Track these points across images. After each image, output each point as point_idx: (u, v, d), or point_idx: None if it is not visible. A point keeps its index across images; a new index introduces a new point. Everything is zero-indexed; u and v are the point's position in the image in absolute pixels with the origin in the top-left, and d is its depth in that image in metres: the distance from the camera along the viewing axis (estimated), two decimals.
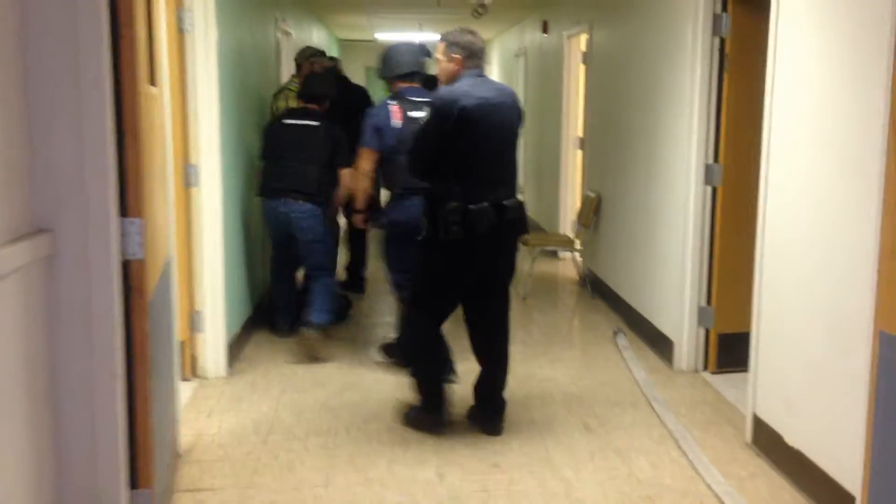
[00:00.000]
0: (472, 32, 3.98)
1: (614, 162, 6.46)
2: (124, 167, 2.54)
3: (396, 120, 4.61)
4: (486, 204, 3.79)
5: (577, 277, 7.59)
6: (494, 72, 14.24)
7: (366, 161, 4.71)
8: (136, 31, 2.62)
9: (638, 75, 5.79)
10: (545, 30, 9.38)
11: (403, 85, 4.76)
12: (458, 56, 3.91)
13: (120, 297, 2.49)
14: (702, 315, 4.95)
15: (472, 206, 3.76)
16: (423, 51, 7.17)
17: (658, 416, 4.27)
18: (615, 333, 5.73)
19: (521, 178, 11.99)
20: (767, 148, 3.82)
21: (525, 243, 7.07)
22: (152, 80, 3.27)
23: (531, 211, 10.18)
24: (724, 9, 4.70)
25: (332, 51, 12.17)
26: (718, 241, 4.86)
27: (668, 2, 5.16)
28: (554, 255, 8.37)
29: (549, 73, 9.31)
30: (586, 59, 8.11)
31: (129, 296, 2.54)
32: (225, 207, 4.93)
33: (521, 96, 11.39)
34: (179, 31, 4.64)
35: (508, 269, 4.12)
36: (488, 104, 3.81)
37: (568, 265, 8.23)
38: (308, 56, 6.54)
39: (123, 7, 2.55)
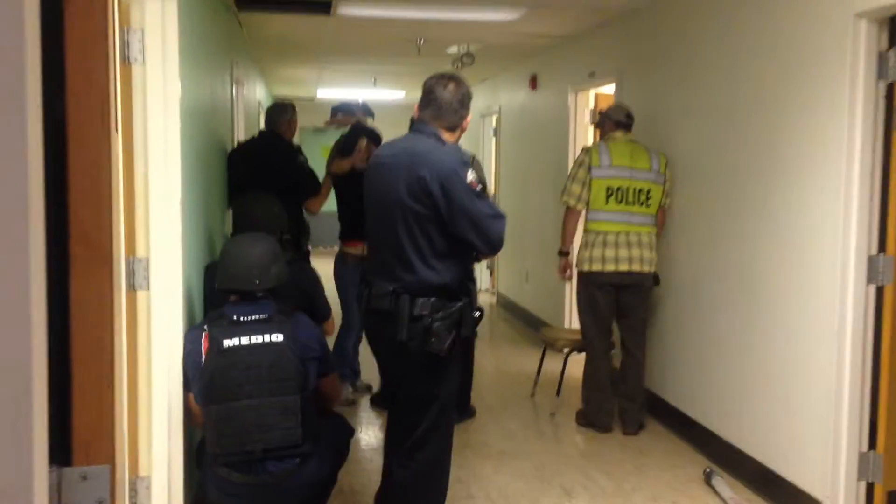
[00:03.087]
0: (435, 77, 3.21)
1: (672, 243, 5.11)
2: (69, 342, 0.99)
3: (203, 354, 3.10)
4: (366, 285, 3.21)
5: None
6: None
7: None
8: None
9: (730, 133, 4.46)
10: (534, 85, 8.10)
11: (232, 299, 3.24)
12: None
13: None
14: (864, 465, 3.56)
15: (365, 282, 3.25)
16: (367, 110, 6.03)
17: None
18: (707, 475, 4.28)
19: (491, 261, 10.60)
20: None
21: (553, 344, 5.63)
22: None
23: (520, 299, 8.71)
24: (893, 44, 3.44)
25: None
26: (887, 360, 3.51)
27: (797, 38, 3.86)
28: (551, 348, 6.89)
29: (539, 136, 8.00)
30: (595, 117, 6.87)
31: None
32: (189, 321, 3.33)
33: (488, 163, 10.14)
34: (124, 62, 3.09)
35: (413, 391, 3.20)
36: (379, 164, 3.21)
37: (576, 364, 6.77)
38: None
39: None
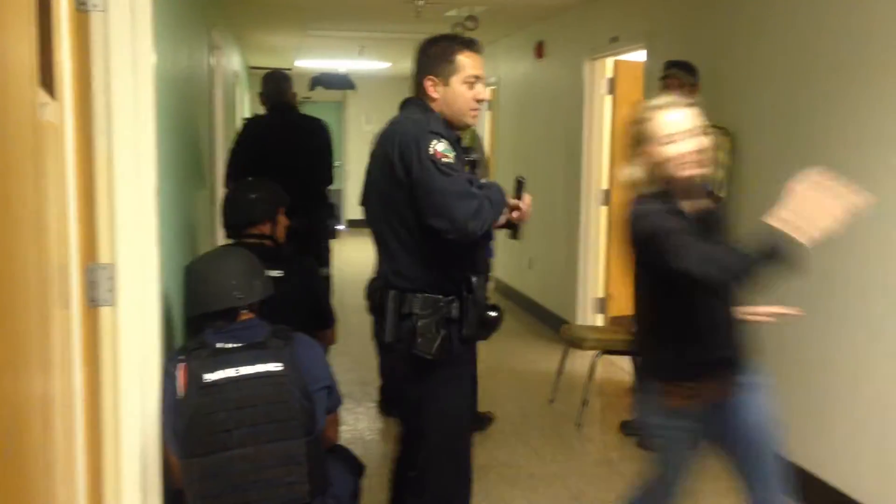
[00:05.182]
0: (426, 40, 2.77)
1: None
2: None
3: (180, 391, 2.39)
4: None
5: (633, 385, 5.52)
6: None
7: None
8: None
9: (815, 101, 3.80)
10: (540, 53, 7.40)
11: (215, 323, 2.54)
12: None
13: None
14: None
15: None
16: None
17: None
18: None
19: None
20: None
21: (580, 345, 4.98)
22: (47, 83, 1.06)
23: (522, 287, 8.04)
24: None
25: (242, 81, 9.82)
26: None
27: None
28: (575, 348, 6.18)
29: (547, 111, 7.32)
30: (614, 87, 6.22)
31: None
32: (168, 344, 2.63)
33: (485, 141, 9.42)
34: (78, 9, 2.35)
35: (409, 400, 2.82)
36: (373, 146, 2.82)
37: (584, 362, 6.03)
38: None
39: None
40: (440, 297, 2.64)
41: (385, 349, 2.82)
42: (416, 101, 2.73)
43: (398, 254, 2.69)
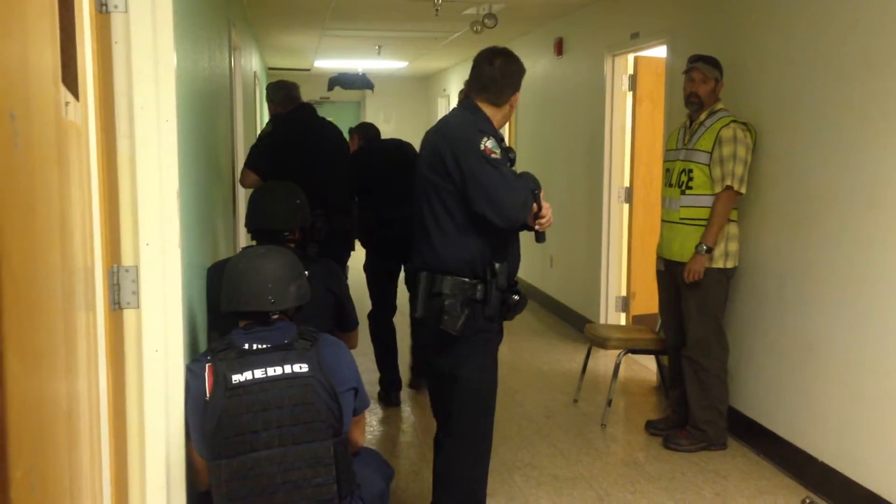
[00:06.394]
0: (484, 51, 3.13)
1: (750, 229, 4.38)
2: None
3: (207, 392, 2.39)
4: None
5: (658, 385, 5.47)
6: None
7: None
8: None
9: (837, 95, 3.74)
10: (559, 50, 7.35)
11: (242, 324, 2.53)
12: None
13: None
14: None
15: None
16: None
17: None
18: None
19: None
20: None
21: (604, 345, 4.93)
22: (70, 85, 1.04)
23: (543, 285, 8.00)
24: None
25: (262, 82, 9.82)
26: None
27: None
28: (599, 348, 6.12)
29: (567, 109, 7.26)
30: (635, 83, 6.16)
31: None
32: (191, 347, 2.61)
33: (506, 139, 9.38)
34: (100, 11, 2.33)
35: (435, 371, 3.15)
36: (424, 140, 3.21)
37: (608, 362, 5.98)
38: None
39: None
40: (467, 279, 2.92)
41: (417, 325, 3.09)
42: (469, 102, 3.04)
43: (435, 239, 2.95)
